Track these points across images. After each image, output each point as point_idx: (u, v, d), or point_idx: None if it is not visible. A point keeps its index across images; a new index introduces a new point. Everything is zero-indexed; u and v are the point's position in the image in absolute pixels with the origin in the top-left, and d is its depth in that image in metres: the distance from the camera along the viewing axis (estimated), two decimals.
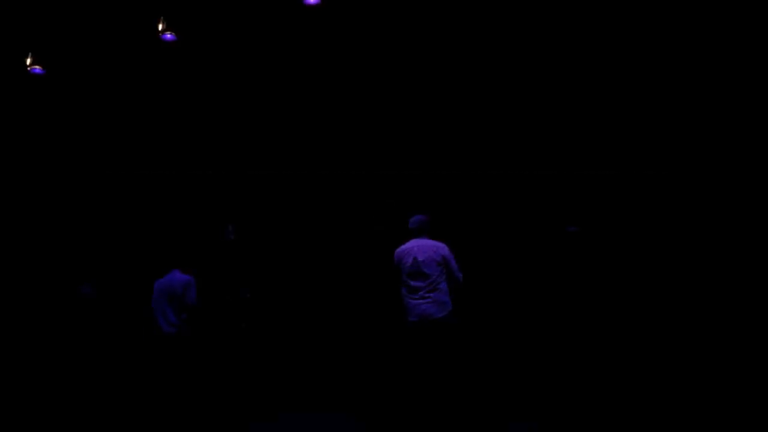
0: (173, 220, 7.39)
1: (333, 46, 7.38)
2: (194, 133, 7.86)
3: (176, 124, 7.86)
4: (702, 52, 6.66)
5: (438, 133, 7.32)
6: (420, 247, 5.36)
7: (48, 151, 7.50)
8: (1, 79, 6.53)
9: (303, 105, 7.57)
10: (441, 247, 5.36)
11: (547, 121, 7.09)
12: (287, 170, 7.69)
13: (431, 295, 5.25)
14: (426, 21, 7.16)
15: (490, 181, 7.21)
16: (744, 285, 6.12)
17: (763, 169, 6.48)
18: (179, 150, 7.80)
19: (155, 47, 7.19)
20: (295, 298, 7.08)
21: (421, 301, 5.26)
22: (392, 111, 7.39)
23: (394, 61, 7.30)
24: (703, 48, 6.64)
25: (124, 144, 7.79)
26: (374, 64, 7.35)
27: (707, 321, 6.06)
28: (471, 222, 7.04)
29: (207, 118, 7.84)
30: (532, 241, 6.80)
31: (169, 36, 6.82)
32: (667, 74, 6.80)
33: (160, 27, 6.77)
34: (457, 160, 7.27)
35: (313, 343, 6.83)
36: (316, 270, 7.25)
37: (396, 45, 7.24)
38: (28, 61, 6.04)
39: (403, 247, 5.46)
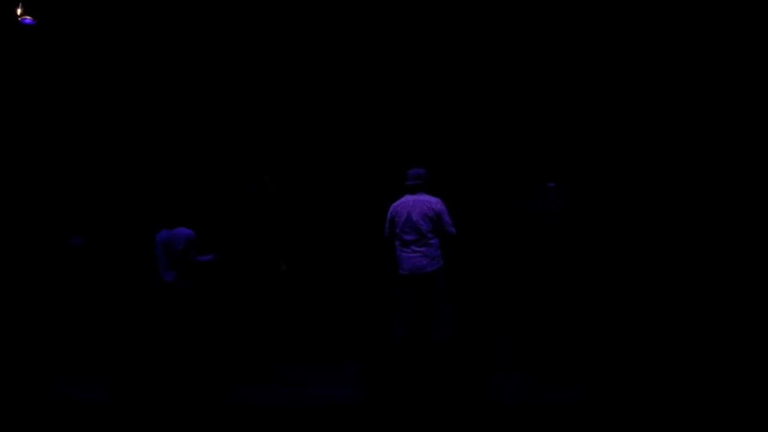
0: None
1: (337, 45, 7.48)
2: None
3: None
4: (697, 53, 6.83)
5: (437, 133, 7.36)
6: (414, 202, 5.47)
7: (43, 90, 7.21)
8: None
9: (304, 103, 7.61)
10: (435, 202, 5.46)
11: (546, 121, 7.16)
12: (285, 170, 7.69)
13: (422, 249, 5.39)
14: (429, 23, 7.34)
15: (490, 179, 7.23)
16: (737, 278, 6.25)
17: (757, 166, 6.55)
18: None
19: None
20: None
21: (412, 254, 5.41)
22: (393, 111, 7.44)
23: (397, 61, 7.39)
24: (699, 49, 6.82)
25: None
26: (377, 65, 7.43)
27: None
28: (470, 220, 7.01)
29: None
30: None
31: None
32: (663, 74, 6.92)
33: None
34: (456, 159, 7.28)
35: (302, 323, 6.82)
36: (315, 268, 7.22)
37: (398, 46, 7.37)
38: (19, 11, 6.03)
39: (398, 201, 5.57)
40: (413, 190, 5.54)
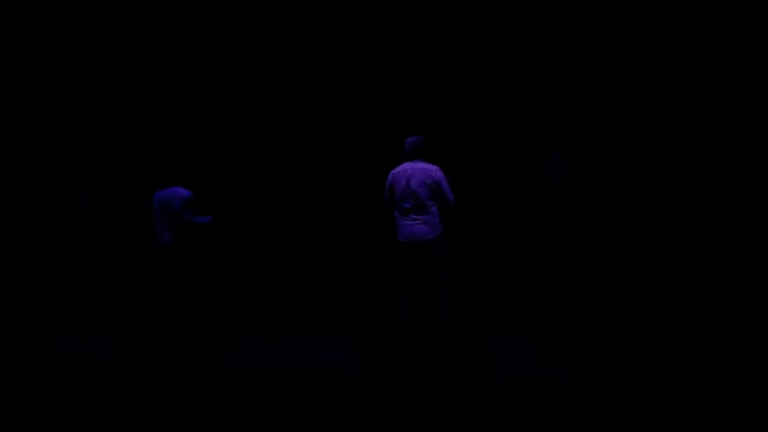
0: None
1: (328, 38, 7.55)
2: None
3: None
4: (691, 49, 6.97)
5: (434, 128, 7.39)
6: (413, 170, 5.47)
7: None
8: None
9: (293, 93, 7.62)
10: (434, 170, 5.47)
11: (544, 118, 7.23)
12: (281, 167, 7.65)
13: (421, 216, 5.39)
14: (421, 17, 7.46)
15: (488, 176, 7.25)
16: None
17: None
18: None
19: None
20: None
21: (411, 222, 5.40)
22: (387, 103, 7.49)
23: (389, 51, 7.46)
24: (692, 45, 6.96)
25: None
26: (370, 54, 7.49)
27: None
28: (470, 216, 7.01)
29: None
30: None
31: None
32: (666, 67, 7.02)
33: None
34: (454, 155, 7.30)
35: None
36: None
37: (390, 36, 7.44)
38: None
39: (397, 169, 5.56)
40: (411, 158, 5.55)
